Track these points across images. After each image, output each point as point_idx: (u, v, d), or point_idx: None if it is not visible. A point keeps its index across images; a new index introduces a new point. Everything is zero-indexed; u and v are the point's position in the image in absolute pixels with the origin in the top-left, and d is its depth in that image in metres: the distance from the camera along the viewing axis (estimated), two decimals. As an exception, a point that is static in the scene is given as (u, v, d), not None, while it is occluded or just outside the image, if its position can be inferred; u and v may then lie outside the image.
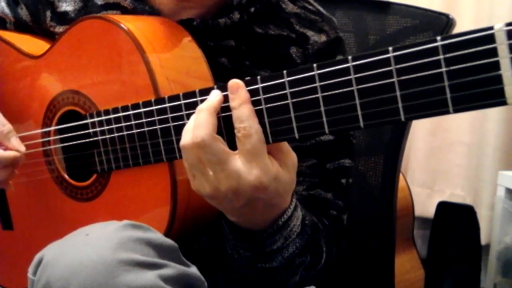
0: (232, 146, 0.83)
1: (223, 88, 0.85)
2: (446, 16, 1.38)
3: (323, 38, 1.13)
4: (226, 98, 0.84)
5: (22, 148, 1.09)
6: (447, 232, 2.22)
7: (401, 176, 2.13)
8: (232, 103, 0.83)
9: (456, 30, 1.36)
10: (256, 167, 0.81)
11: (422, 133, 2.72)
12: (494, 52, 0.64)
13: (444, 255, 2.22)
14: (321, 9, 1.16)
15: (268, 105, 0.82)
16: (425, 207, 2.65)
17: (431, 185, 2.75)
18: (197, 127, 0.82)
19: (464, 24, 2.60)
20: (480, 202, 2.62)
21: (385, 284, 1.48)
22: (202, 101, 0.88)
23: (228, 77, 1.04)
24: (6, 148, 1.09)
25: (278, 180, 0.84)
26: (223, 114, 0.85)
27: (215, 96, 0.85)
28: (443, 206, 2.28)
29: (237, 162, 0.82)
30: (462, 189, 2.70)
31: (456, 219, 2.22)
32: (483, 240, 2.55)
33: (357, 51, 1.49)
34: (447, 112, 0.68)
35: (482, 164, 2.62)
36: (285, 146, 0.86)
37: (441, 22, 1.38)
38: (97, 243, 0.80)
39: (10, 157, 1.08)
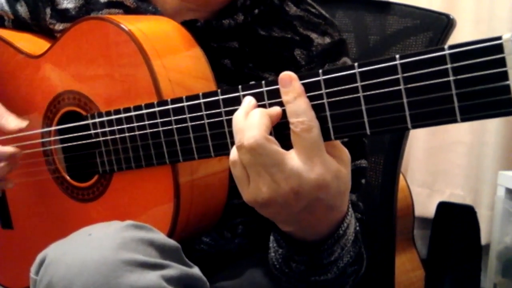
0: (282, 144, 0.79)
1: (227, 91, 0.84)
2: (447, 16, 1.38)
3: (327, 40, 1.13)
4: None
5: (24, 124, 1.08)
6: (447, 232, 2.23)
7: (401, 176, 2.13)
8: (286, 97, 0.77)
9: (456, 30, 1.36)
10: (318, 163, 0.76)
11: (422, 133, 2.72)
12: (502, 62, 0.63)
13: (445, 255, 2.22)
14: (323, 12, 1.16)
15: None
16: (425, 207, 2.65)
17: (431, 185, 2.76)
18: (249, 128, 0.77)
19: (464, 24, 2.60)
20: (480, 202, 2.62)
21: (386, 284, 1.48)
22: (205, 103, 0.87)
23: (230, 78, 1.04)
24: (3, 143, 1.09)
25: (339, 177, 0.79)
26: (226, 118, 0.84)
27: (248, 102, 0.81)
28: (443, 206, 2.28)
29: (295, 160, 0.76)
30: (462, 189, 2.71)
31: (456, 219, 2.22)
32: (483, 240, 2.55)
33: (357, 51, 1.50)
34: (455, 121, 0.67)
35: (482, 164, 2.62)
36: (337, 142, 0.81)
37: (441, 22, 1.38)
38: (99, 243, 0.79)
39: (6, 152, 1.07)
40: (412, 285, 2.12)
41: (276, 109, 0.80)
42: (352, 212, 0.91)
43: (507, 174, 2.25)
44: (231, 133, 0.84)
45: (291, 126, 0.77)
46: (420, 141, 2.74)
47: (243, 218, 1.13)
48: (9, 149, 1.07)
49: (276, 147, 0.77)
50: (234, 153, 0.80)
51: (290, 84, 0.77)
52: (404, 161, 2.72)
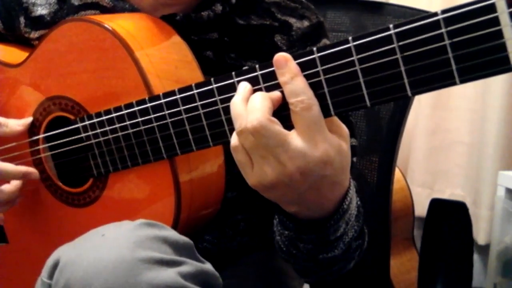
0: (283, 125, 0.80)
1: (220, 79, 0.84)
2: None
3: (306, 23, 1.13)
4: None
5: (29, 119, 1.08)
6: (439, 229, 2.22)
7: (401, 176, 2.14)
8: (283, 78, 0.78)
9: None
10: (321, 140, 0.78)
11: (422, 133, 2.72)
12: (496, 21, 0.64)
13: (437, 251, 2.21)
14: None
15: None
16: (425, 207, 2.62)
17: (431, 185, 2.74)
18: (252, 111, 0.78)
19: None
20: (480, 202, 2.60)
21: (381, 283, 1.48)
22: (199, 94, 0.87)
23: (214, 70, 1.05)
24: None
25: (341, 152, 0.81)
26: (223, 105, 0.84)
27: (244, 87, 0.82)
28: (435, 203, 2.27)
29: (298, 140, 0.77)
30: (462, 189, 2.69)
31: (449, 216, 2.22)
32: (483, 240, 2.54)
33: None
34: (454, 83, 0.68)
35: (482, 164, 2.60)
36: (335, 118, 0.82)
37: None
38: (115, 243, 0.79)
39: (21, 172, 1.08)
40: (412, 285, 2.11)
41: (277, 93, 0.80)
42: (353, 187, 0.92)
43: (507, 174, 2.25)
44: (228, 121, 0.84)
45: (291, 107, 0.78)
46: (420, 141, 2.73)
47: (244, 215, 1.13)
48: (22, 168, 1.08)
49: (279, 127, 0.77)
50: (235, 139, 0.81)
51: (286, 65, 0.78)
52: (404, 161, 2.73)
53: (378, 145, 1.46)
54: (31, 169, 1.09)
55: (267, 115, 0.77)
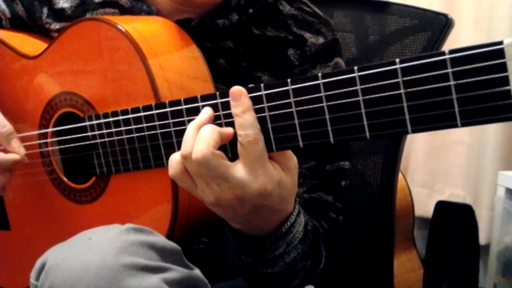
0: (234, 152, 0.83)
1: (225, 93, 0.84)
2: (445, 16, 1.38)
3: (321, 40, 1.12)
4: (228, 104, 0.83)
5: (22, 151, 1.07)
6: (445, 232, 2.23)
7: (401, 176, 2.13)
8: (235, 110, 0.82)
9: (456, 30, 1.36)
10: (261, 174, 0.81)
11: (422, 133, 2.69)
12: (503, 67, 0.63)
13: (443, 254, 2.22)
14: (317, 10, 1.16)
15: (272, 113, 0.80)
16: (425, 207, 2.65)
17: (431, 185, 2.76)
18: (199, 142, 0.82)
19: (464, 24, 2.60)
20: (480, 202, 2.62)
21: (384, 283, 1.48)
22: (203, 106, 0.87)
23: (225, 78, 1.05)
24: (6, 151, 1.07)
25: (281, 185, 0.84)
26: (226, 121, 0.85)
27: (205, 113, 0.85)
28: (441, 206, 2.28)
29: (240, 171, 0.81)
30: (462, 189, 2.70)
31: (455, 219, 2.23)
32: (483, 240, 2.55)
33: (356, 50, 1.49)
34: (455, 126, 0.67)
35: (482, 164, 2.61)
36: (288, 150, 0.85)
37: (439, 22, 1.37)
38: (100, 247, 0.79)
39: (10, 160, 1.06)
40: (412, 285, 2.12)
41: (229, 130, 0.84)
42: (300, 212, 0.95)
43: (507, 174, 2.25)
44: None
45: (239, 138, 0.82)
46: (420, 141, 2.73)
47: None
48: (11, 156, 1.07)
49: (222, 161, 0.82)
50: (178, 163, 0.85)
51: (239, 99, 0.82)
52: (404, 161, 2.73)
53: (381, 146, 1.45)
54: (18, 157, 1.08)
55: (211, 149, 0.81)
